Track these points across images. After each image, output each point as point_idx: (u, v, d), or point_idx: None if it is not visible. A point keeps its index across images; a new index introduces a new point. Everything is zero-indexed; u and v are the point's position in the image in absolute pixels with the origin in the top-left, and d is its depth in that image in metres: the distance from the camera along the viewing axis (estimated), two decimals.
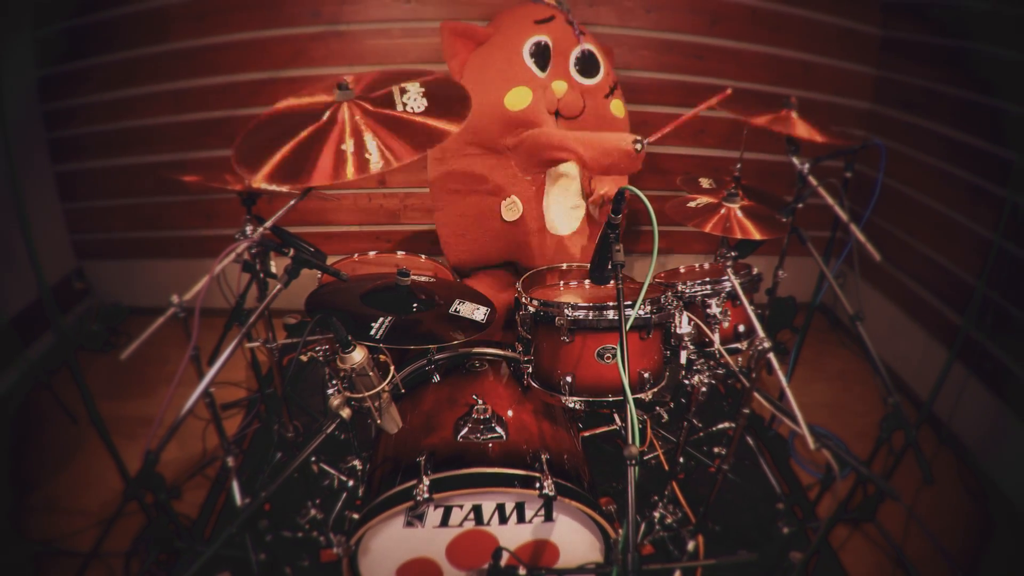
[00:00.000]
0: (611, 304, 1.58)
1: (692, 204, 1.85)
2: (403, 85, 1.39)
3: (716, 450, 2.29)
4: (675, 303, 1.66)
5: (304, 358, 1.77)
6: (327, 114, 1.31)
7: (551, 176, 2.41)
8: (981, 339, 2.36)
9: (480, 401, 1.64)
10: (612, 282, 1.41)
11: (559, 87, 2.36)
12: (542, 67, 2.34)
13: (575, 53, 2.40)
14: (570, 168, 2.46)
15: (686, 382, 1.76)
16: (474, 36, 2.37)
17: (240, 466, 2.27)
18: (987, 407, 2.35)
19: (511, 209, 2.41)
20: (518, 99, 2.27)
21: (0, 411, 2.54)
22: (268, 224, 1.38)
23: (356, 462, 1.97)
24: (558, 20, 2.38)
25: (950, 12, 2.55)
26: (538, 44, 2.32)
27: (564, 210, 2.48)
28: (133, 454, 1.62)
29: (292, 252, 1.42)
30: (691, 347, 1.69)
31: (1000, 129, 2.33)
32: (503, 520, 1.53)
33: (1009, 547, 2.07)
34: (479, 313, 1.74)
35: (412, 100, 1.37)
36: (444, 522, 1.51)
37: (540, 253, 2.42)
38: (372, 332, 1.51)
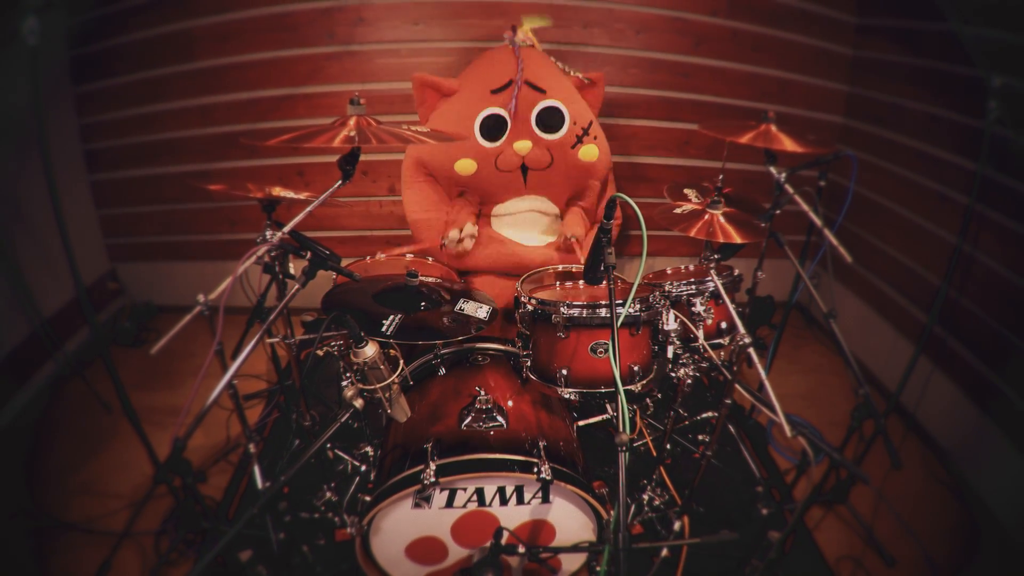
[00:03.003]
0: (603, 303, 1.58)
1: (678, 211, 1.85)
2: None
3: (700, 437, 2.29)
4: (662, 302, 1.67)
5: (320, 352, 1.78)
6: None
7: (521, 209, 2.49)
8: (944, 335, 2.36)
9: (482, 392, 1.64)
10: (604, 282, 1.41)
11: (522, 146, 2.32)
12: (494, 138, 2.32)
13: (536, 111, 2.33)
14: (542, 205, 2.50)
15: (672, 375, 1.76)
16: (440, 89, 2.36)
17: (261, 452, 2.24)
18: (950, 398, 2.34)
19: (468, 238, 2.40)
20: (465, 167, 2.34)
21: (32, 403, 2.54)
22: (287, 229, 1.39)
23: (368, 449, 1.97)
24: (517, 82, 2.30)
25: (918, 34, 2.55)
26: (489, 118, 2.29)
27: (535, 236, 2.50)
28: (162, 441, 1.63)
29: (309, 254, 1.42)
30: (677, 342, 1.70)
31: (963, 141, 2.33)
32: (504, 502, 1.53)
33: (976, 532, 2.07)
34: (482, 311, 1.74)
35: None
36: (449, 503, 1.52)
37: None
38: (383, 328, 1.52)
